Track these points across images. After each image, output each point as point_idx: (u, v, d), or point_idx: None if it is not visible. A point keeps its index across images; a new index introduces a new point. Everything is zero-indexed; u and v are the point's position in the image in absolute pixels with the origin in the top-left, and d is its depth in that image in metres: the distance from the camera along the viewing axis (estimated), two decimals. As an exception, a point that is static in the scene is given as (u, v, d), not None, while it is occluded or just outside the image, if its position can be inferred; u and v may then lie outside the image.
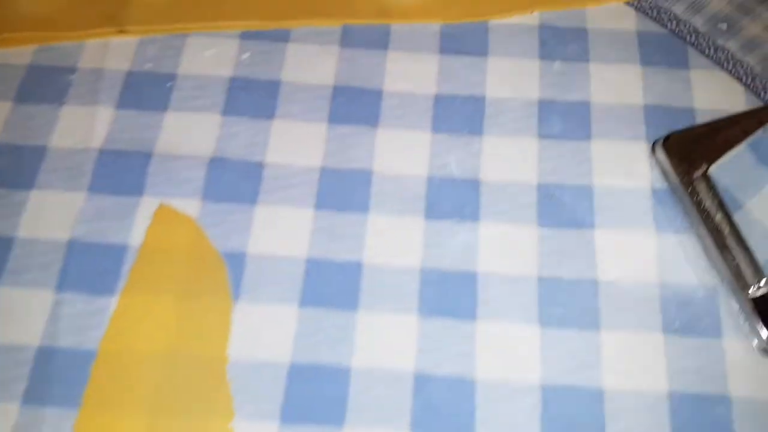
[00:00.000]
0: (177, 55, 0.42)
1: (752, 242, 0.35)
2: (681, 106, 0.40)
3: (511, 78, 0.42)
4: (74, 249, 0.37)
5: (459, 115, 0.41)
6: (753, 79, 0.41)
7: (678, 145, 0.37)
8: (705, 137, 0.37)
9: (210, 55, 0.42)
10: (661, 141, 0.37)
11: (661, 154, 0.37)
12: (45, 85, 0.41)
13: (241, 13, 0.43)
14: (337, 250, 0.37)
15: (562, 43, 0.42)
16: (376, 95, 0.41)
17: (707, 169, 0.36)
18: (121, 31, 0.43)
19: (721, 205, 0.36)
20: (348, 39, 0.43)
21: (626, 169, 0.38)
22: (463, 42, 0.43)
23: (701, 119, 0.40)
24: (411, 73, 0.42)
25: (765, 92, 0.40)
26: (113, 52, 0.43)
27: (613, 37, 0.42)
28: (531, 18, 0.43)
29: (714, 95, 0.40)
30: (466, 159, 0.39)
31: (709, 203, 0.36)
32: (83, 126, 0.40)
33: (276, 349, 0.35)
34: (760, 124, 0.37)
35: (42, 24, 0.43)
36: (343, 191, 0.38)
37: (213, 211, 0.38)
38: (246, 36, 0.43)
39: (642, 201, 0.38)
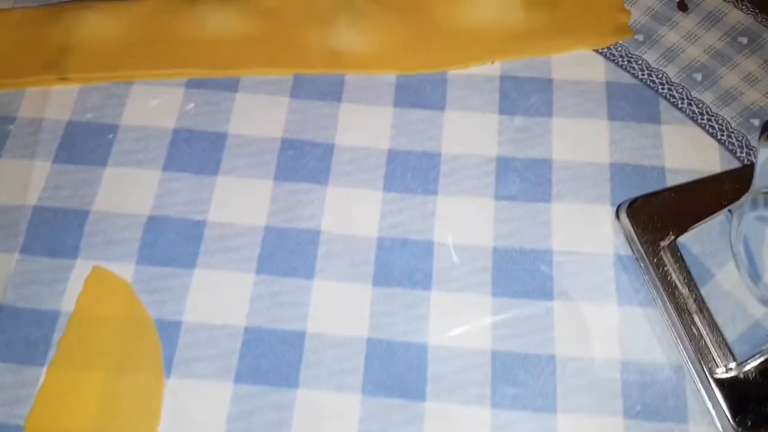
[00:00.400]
0: (119, 105, 0.40)
1: (721, 319, 0.32)
2: (650, 164, 0.38)
3: (468, 133, 0.39)
4: (4, 315, 0.35)
5: (413, 172, 0.38)
6: (728, 135, 0.38)
7: (644, 211, 0.34)
8: (673, 203, 0.35)
9: (154, 105, 0.40)
10: (626, 205, 0.35)
11: (625, 219, 0.35)
12: (-20, 137, 0.40)
13: (188, 60, 0.41)
14: (279, 319, 0.35)
15: (524, 96, 0.40)
16: (327, 149, 0.39)
17: (675, 238, 0.33)
18: (63, 79, 0.41)
19: (689, 278, 0.33)
20: (299, 89, 0.41)
21: (588, 234, 0.36)
22: (420, 94, 0.40)
23: (671, 179, 0.37)
24: (364, 126, 0.40)
25: (741, 149, 0.38)
26: (54, 101, 0.41)
27: (580, 88, 0.40)
28: (492, 68, 0.41)
29: (686, 153, 0.38)
30: (418, 220, 0.37)
31: (675, 275, 0.33)
32: (19, 181, 0.38)
33: (209, 430, 0.32)
34: (733, 189, 0.34)
35: (-18, 70, 0.41)
36: (287, 253, 0.36)
37: (149, 275, 0.36)
38: (192, 84, 0.41)
39: (605, 269, 0.35)
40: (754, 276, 0.31)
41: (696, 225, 0.33)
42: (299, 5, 0.42)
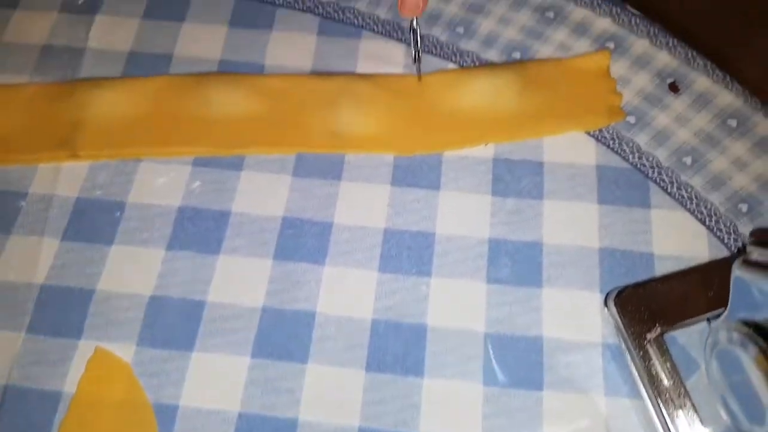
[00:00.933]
0: (127, 182, 0.42)
1: (705, 414, 0.33)
2: (639, 250, 0.38)
3: (462, 214, 0.40)
4: (9, 395, 0.36)
5: (408, 252, 0.39)
6: (716, 222, 0.39)
7: (631, 302, 0.35)
8: (660, 294, 0.35)
9: (161, 183, 0.42)
10: (614, 295, 0.36)
11: (613, 309, 0.35)
12: (-7, 212, 0.41)
13: (195, 138, 0.42)
14: (273, 406, 0.36)
15: (516, 179, 0.41)
16: (326, 227, 0.40)
17: (661, 333, 0.34)
18: (74, 156, 0.42)
19: (674, 371, 0.34)
20: (301, 168, 0.42)
21: (578, 322, 0.37)
22: (417, 174, 0.41)
23: (660, 265, 0.38)
24: (362, 204, 0.41)
25: (729, 236, 0.38)
26: (64, 177, 0.42)
27: (571, 172, 0.41)
28: (485, 150, 0.42)
29: (675, 239, 0.39)
30: (412, 303, 0.38)
31: (660, 368, 0.34)
32: (28, 258, 0.40)
33: None
34: (720, 278, 0.35)
35: (-3, 145, 0.43)
36: (283, 336, 0.37)
37: (149, 357, 0.37)
38: (199, 163, 0.42)
39: (593, 358, 0.36)
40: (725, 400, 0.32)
41: (681, 324, 0.34)
42: (303, 87, 0.44)
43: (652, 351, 0.34)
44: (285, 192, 0.41)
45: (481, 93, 0.43)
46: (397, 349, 0.37)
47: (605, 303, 0.37)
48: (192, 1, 0.48)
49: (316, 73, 0.45)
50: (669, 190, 0.40)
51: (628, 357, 0.35)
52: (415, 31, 0.41)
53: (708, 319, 0.34)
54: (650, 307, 0.35)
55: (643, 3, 0.46)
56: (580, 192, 0.40)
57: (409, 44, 0.45)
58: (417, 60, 0.42)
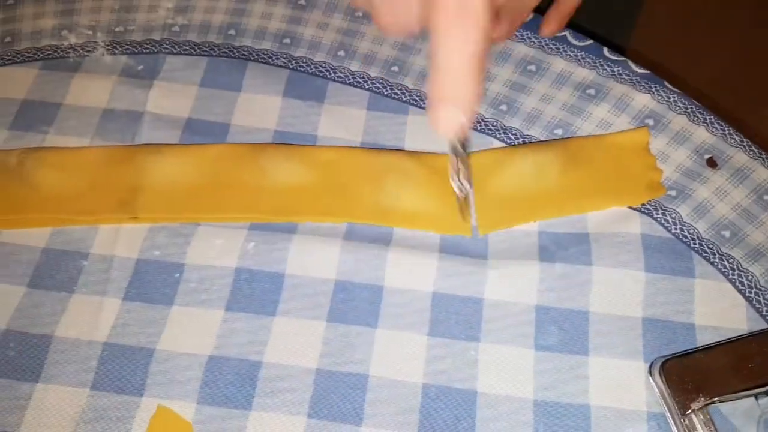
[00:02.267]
0: (186, 244, 0.44)
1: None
2: (681, 321, 0.40)
3: (510, 280, 0.42)
4: (74, 452, 0.37)
5: (456, 317, 0.41)
6: (757, 293, 0.40)
7: (675, 372, 0.36)
8: (703, 365, 0.37)
9: (217, 245, 0.43)
10: (659, 365, 0.37)
11: (658, 379, 0.37)
12: (57, 271, 0.43)
13: (250, 205, 0.44)
14: (329, 466, 0.37)
15: (563, 248, 0.43)
16: (377, 291, 0.42)
17: (706, 403, 0.35)
18: (134, 218, 0.44)
19: (719, 442, 0.35)
20: (352, 233, 0.44)
21: (623, 391, 0.38)
22: (463, 243, 0.43)
23: (701, 338, 0.39)
24: (411, 269, 0.42)
25: (767, 309, 0.40)
26: (124, 238, 0.44)
27: (617, 240, 0.43)
28: (530, 224, 0.44)
29: (715, 309, 0.40)
30: (462, 368, 0.39)
31: (705, 439, 0.35)
32: (90, 317, 0.41)
33: None
34: (760, 353, 0.37)
35: (60, 206, 0.45)
36: (337, 398, 0.39)
37: (209, 415, 0.38)
38: (254, 227, 0.44)
39: (639, 426, 0.37)
40: None
41: (725, 396, 0.35)
42: (352, 160, 0.46)
43: (697, 421, 0.35)
44: (336, 256, 0.43)
45: (525, 171, 0.45)
46: (447, 414, 0.38)
47: (650, 373, 0.38)
48: (248, 72, 0.50)
49: (365, 146, 0.47)
50: (711, 260, 0.42)
51: (674, 427, 0.36)
52: (456, 151, 0.33)
53: (756, 396, 0.35)
54: (694, 377, 0.36)
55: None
56: (627, 259, 0.42)
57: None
58: (460, 187, 0.36)
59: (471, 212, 0.42)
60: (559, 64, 0.50)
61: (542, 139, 0.47)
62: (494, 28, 0.44)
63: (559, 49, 0.50)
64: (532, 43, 0.51)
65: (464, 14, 0.27)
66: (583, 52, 0.50)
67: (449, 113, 0.28)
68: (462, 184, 0.36)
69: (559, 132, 0.47)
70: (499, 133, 0.47)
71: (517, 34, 0.51)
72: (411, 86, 0.50)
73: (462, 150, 0.34)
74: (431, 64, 0.28)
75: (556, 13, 0.50)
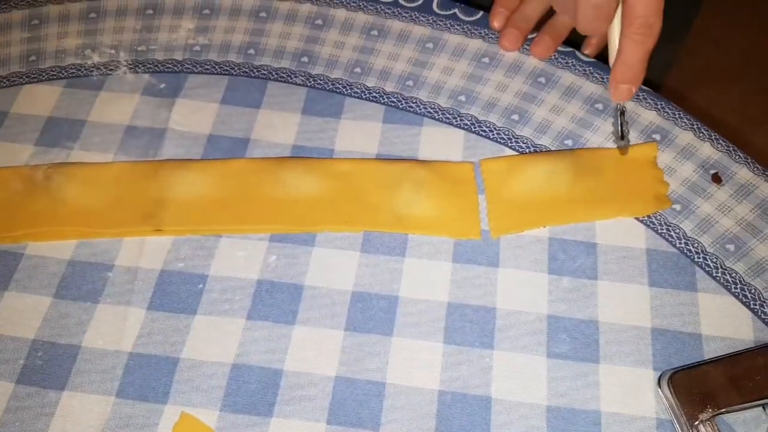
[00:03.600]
0: (209, 256, 0.45)
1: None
2: (688, 331, 0.41)
3: (520, 290, 0.43)
4: (100, 456, 0.39)
5: (470, 325, 0.42)
6: (761, 305, 0.42)
7: (684, 383, 0.38)
8: (712, 377, 0.38)
9: (240, 257, 0.45)
10: (668, 377, 0.38)
11: (666, 390, 0.38)
12: (82, 282, 0.44)
13: (271, 217, 0.46)
14: (348, 471, 0.38)
15: (571, 258, 0.44)
16: (393, 301, 0.43)
17: (713, 415, 0.36)
18: (158, 231, 0.46)
19: (727, 451, 0.36)
20: (368, 245, 0.45)
21: (633, 399, 0.39)
22: (476, 251, 0.45)
23: (708, 348, 0.41)
24: (426, 279, 0.44)
25: (773, 319, 0.41)
26: (148, 250, 0.45)
27: (622, 254, 0.44)
28: (540, 230, 0.45)
29: (721, 321, 0.41)
30: (477, 375, 0.41)
31: (713, 448, 0.36)
32: (115, 327, 0.43)
33: None
34: (765, 366, 0.38)
35: (86, 219, 0.46)
36: (356, 404, 0.40)
37: (232, 422, 0.39)
38: (275, 239, 0.46)
39: (647, 433, 0.38)
40: None
41: (732, 407, 0.36)
42: (368, 170, 0.48)
43: (705, 430, 0.37)
44: (354, 267, 0.45)
45: (536, 178, 0.46)
46: (463, 420, 0.39)
47: (659, 384, 0.39)
48: (267, 90, 0.52)
49: (381, 158, 0.49)
50: (714, 275, 0.43)
51: (683, 432, 0.37)
52: (623, 113, 0.46)
53: (763, 407, 0.36)
54: (702, 389, 0.38)
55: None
56: (632, 274, 0.43)
57: (469, 130, 0.49)
58: (623, 137, 0.46)
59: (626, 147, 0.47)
60: (568, 77, 0.51)
61: (553, 148, 0.49)
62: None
63: (567, 63, 0.52)
64: (542, 58, 0.53)
65: (648, 31, 0.42)
66: (590, 68, 0.52)
67: (627, 90, 0.45)
68: (626, 135, 0.47)
69: (569, 143, 0.49)
70: (511, 142, 0.49)
71: (526, 47, 0.53)
72: (425, 99, 0.51)
73: (623, 111, 0.46)
74: (617, 57, 0.44)
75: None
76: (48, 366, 0.41)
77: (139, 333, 0.42)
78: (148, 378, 0.41)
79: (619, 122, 0.46)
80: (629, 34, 0.42)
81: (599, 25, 0.44)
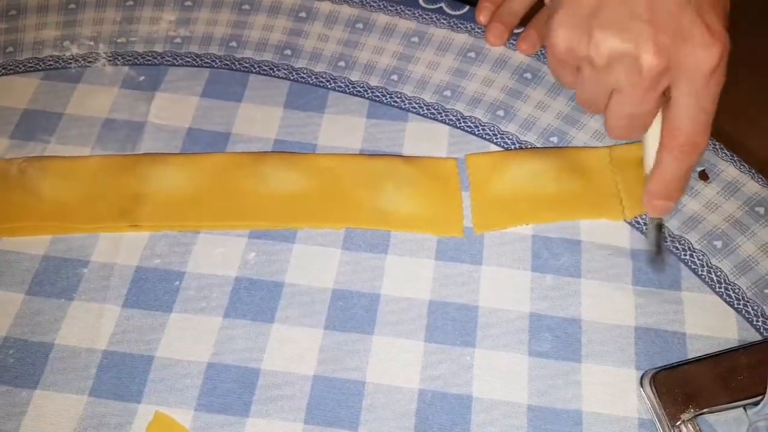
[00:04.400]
0: (186, 253, 0.44)
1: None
2: (672, 330, 0.41)
3: (503, 288, 0.43)
4: (72, 458, 0.38)
5: (452, 323, 0.41)
6: (745, 305, 0.41)
7: (666, 384, 0.37)
8: (694, 377, 0.37)
9: (218, 254, 0.44)
10: (650, 376, 0.38)
11: (649, 390, 0.37)
12: (57, 279, 0.43)
13: (250, 213, 0.45)
14: (324, 474, 0.37)
15: (555, 256, 0.43)
16: (374, 299, 0.42)
17: (695, 415, 0.36)
18: (135, 226, 0.45)
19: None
20: (350, 242, 0.44)
21: (615, 398, 0.39)
22: (459, 249, 0.44)
23: (692, 346, 0.40)
24: (408, 277, 0.43)
25: (757, 318, 0.41)
26: (125, 246, 0.45)
27: (606, 252, 0.43)
28: (524, 227, 0.45)
29: (705, 320, 0.41)
30: (458, 373, 0.40)
31: (693, 449, 0.36)
32: (90, 324, 0.42)
33: None
34: (749, 365, 0.37)
35: (61, 214, 0.45)
36: (334, 404, 0.39)
37: (207, 422, 0.39)
38: (254, 235, 0.45)
39: (629, 432, 0.38)
40: None
41: (714, 407, 0.36)
42: (351, 166, 0.47)
43: (687, 430, 0.36)
44: (335, 265, 0.44)
45: (521, 175, 0.46)
46: (443, 419, 0.39)
47: (641, 383, 0.38)
48: (249, 83, 0.51)
49: (365, 153, 0.48)
50: (699, 273, 0.42)
51: (664, 432, 0.37)
52: (660, 227, 0.41)
53: (744, 407, 0.36)
54: (684, 389, 0.37)
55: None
56: (616, 272, 0.43)
57: (454, 126, 0.49)
58: (659, 251, 0.42)
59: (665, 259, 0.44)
60: (553, 74, 0.51)
61: (538, 145, 0.48)
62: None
63: (553, 61, 0.51)
64: (527, 52, 0.52)
65: (692, 149, 0.37)
66: (577, 65, 0.51)
67: (664, 204, 0.39)
68: (663, 251, 0.43)
69: (554, 140, 0.48)
70: (496, 138, 0.48)
71: (513, 42, 0.52)
72: (410, 94, 0.51)
73: (660, 226, 0.42)
74: (654, 170, 0.39)
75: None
76: (20, 364, 0.40)
77: (113, 331, 0.42)
78: (122, 377, 0.40)
79: (655, 236, 0.41)
80: (671, 149, 0.37)
81: (632, 134, 0.39)
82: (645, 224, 0.44)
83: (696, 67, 0.34)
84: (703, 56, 0.33)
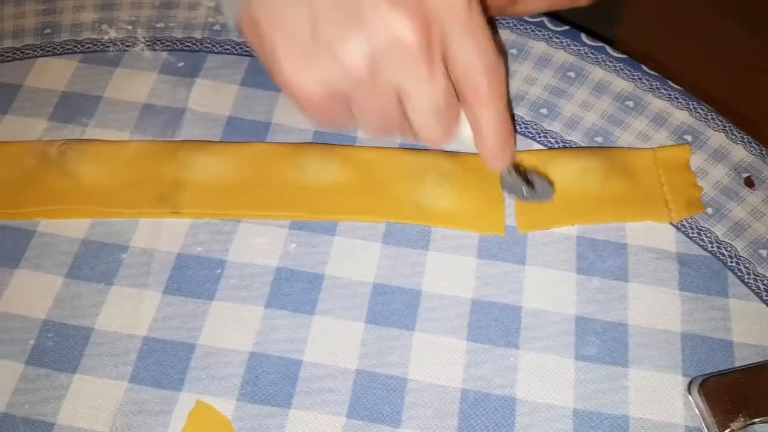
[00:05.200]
0: (228, 241, 0.44)
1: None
2: (719, 337, 0.40)
3: (547, 290, 0.42)
4: (112, 443, 0.37)
5: (495, 323, 0.41)
6: (792, 314, 0.41)
7: (714, 391, 0.37)
8: (743, 385, 0.37)
9: (259, 243, 0.44)
10: (698, 384, 0.37)
11: (697, 397, 0.37)
12: (96, 263, 0.43)
13: (291, 203, 0.45)
14: (369, 467, 0.37)
15: (600, 258, 0.43)
16: (415, 295, 0.42)
17: (745, 424, 0.35)
18: (175, 213, 0.44)
19: (760, 461, 0.35)
20: (391, 236, 0.44)
21: (661, 404, 0.38)
22: (502, 247, 0.44)
23: (739, 354, 0.40)
24: (450, 274, 0.43)
25: (804, 328, 0.40)
26: (165, 233, 0.44)
27: (653, 256, 0.43)
28: (569, 228, 0.44)
29: (752, 328, 0.41)
30: (501, 374, 0.40)
31: (746, 457, 0.35)
32: (130, 309, 0.41)
33: None
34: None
35: (100, 198, 0.45)
36: (377, 399, 0.39)
37: (249, 413, 0.38)
38: (295, 226, 0.44)
39: (677, 440, 0.38)
40: None
41: (766, 418, 0.36)
42: (391, 159, 0.46)
43: (737, 439, 0.36)
44: (375, 258, 0.43)
45: (566, 175, 0.45)
46: (486, 420, 0.38)
47: (689, 390, 0.38)
48: (291, 72, 0.51)
49: (405, 147, 0.47)
50: (746, 281, 0.42)
51: (714, 441, 0.36)
52: (514, 171, 0.41)
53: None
54: (734, 397, 0.37)
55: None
56: (662, 277, 0.42)
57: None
58: (530, 188, 0.42)
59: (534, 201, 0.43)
60: (598, 73, 0.50)
61: (582, 145, 0.48)
62: None
63: (598, 58, 0.51)
64: (571, 51, 0.51)
65: (496, 92, 0.34)
66: (621, 64, 0.51)
67: (500, 162, 0.38)
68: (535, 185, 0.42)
69: (599, 140, 0.48)
70: (539, 137, 0.48)
71: (557, 40, 0.52)
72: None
73: (512, 171, 0.41)
74: (476, 134, 0.37)
75: None
76: (59, 348, 0.40)
77: (154, 317, 0.41)
78: (162, 364, 0.40)
79: (515, 181, 0.41)
80: (477, 102, 0.34)
81: (452, 126, 0.36)
82: (691, 225, 0.44)
83: (451, 6, 0.30)
84: None
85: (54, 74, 0.51)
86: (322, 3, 0.29)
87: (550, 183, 0.43)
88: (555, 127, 0.48)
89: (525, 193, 0.42)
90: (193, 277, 0.43)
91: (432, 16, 0.29)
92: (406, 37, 0.29)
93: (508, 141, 0.37)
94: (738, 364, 0.39)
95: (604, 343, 0.40)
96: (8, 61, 0.52)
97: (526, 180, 0.42)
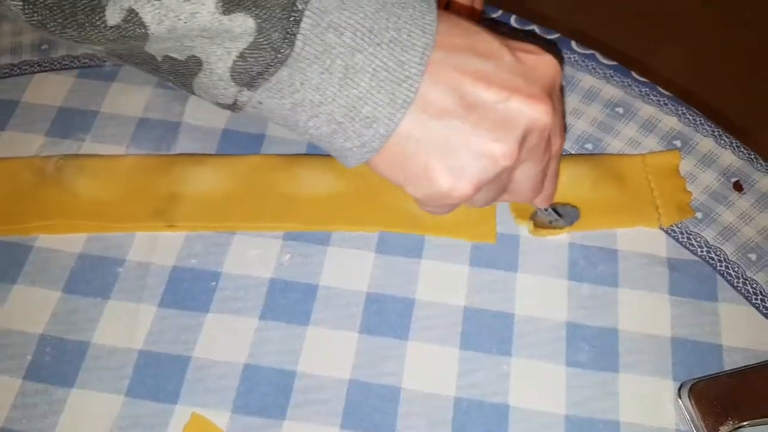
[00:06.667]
0: (222, 253, 0.44)
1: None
2: (709, 341, 0.41)
3: (539, 297, 0.43)
4: (108, 458, 0.38)
5: (488, 331, 0.41)
6: (782, 317, 0.41)
7: (704, 396, 0.37)
8: (733, 389, 0.37)
9: (253, 255, 0.44)
10: (688, 388, 0.38)
11: (687, 401, 0.37)
12: (93, 277, 0.43)
13: (285, 215, 0.45)
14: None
15: (592, 264, 0.43)
16: (409, 304, 0.42)
17: (734, 427, 0.36)
18: (170, 226, 0.45)
19: (749, 464, 0.36)
20: (384, 245, 0.44)
21: (652, 409, 0.39)
22: (494, 255, 0.44)
23: (729, 358, 0.40)
24: (443, 282, 0.43)
25: (794, 331, 0.41)
26: (161, 246, 0.45)
27: (643, 261, 0.43)
28: (561, 235, 0.45)
29: (742, 332, 0.41)
30: (494, 382, 0.40)
31: (735, 460, 0.36)
32: (126, 323, 0.42)
33: None
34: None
35: (97, 212, 0.45)
36: (371, 409, 0.39)
37: (243, 424, 0.39)
38: (289, 237, 0.45)
39: (668, 445, 0.38)
40: None
41: (754, 420, 0.36)
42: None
43: (727, 443, 0.36)
44: (369, 268, 0.44)
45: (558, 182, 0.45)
46: (479, 428, 0.39)
47: (679, 394, 0.38)
48: (284, 84, 0.51)
49: (399, 157, 0.48)
50: (735, 284, 0.42)
51: (704, 445, 0.37)
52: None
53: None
54: (723, 401, 0.37)
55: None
56: (652, 282, 0.43)
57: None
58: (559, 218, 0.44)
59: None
60: (588, 80, 0.51)
61: (573, 152, 0.48)
62: None
63: (588, 66, 0.51)
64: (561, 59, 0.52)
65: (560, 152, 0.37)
66: (611, 71, 0.51)
67: (546, 203, 0.40)
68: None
69: (589, 147, 0.48)
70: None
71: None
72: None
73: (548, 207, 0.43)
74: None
75: None
76: (56, 362, 0.41)
77: (150, 330, 0.42)
78: (158, 377, 0.40)
79: (548, 215, 0.44)
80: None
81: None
82: (681, 230, 0.44)
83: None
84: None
85: (51, 90, 0.52)
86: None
87: (573, 206, 0.44)
88: (545, 134, 0.49)
89: (553, 222, 0.44)
90: (188, 290, 0.43)
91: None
92: (540, 114, 0.32)
93: (556, 187, 0.40)
94: (728, 367, 0.40)
95: (595, 349, 0.41)
96: (6, 77, 0.52)
97: (555, 211, 0.44)
